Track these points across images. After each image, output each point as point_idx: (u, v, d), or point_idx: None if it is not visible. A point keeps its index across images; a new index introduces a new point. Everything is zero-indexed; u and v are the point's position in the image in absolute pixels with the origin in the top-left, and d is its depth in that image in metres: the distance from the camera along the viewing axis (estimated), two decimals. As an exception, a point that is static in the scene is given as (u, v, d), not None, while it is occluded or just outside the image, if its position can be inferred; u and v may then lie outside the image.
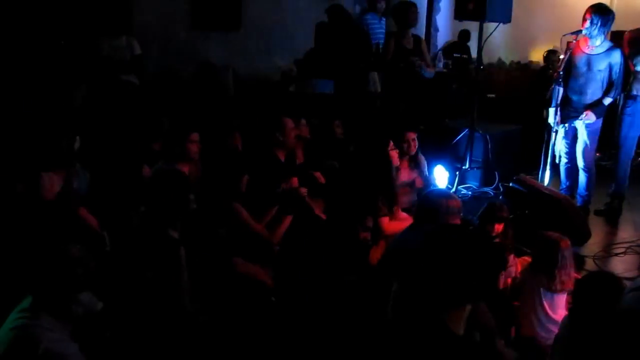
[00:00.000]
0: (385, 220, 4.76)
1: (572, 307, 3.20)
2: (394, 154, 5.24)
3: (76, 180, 4.14)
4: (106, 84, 5.93)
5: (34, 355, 2.42)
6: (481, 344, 2.68)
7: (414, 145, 5.51)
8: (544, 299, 3.74)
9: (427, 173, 5.71)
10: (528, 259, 4.24)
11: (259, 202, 4.51)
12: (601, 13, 5.59)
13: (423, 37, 8.42)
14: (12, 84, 5.20)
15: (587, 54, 5.76)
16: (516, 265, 4.31)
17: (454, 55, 9.72)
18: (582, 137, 5.91)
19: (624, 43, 5.91)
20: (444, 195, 4.00)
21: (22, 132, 4.73)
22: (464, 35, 10.09)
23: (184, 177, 3.59)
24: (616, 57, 5.72)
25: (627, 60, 5.86)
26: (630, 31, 6.03)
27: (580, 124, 5.89)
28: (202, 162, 4.99)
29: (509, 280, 4.17)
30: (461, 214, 4.11)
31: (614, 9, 6.06)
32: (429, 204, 3.91)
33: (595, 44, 5.72)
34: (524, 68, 10.43)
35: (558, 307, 3.75)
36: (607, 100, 5.83)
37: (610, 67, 5.73)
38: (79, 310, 2.71)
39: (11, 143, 4.55)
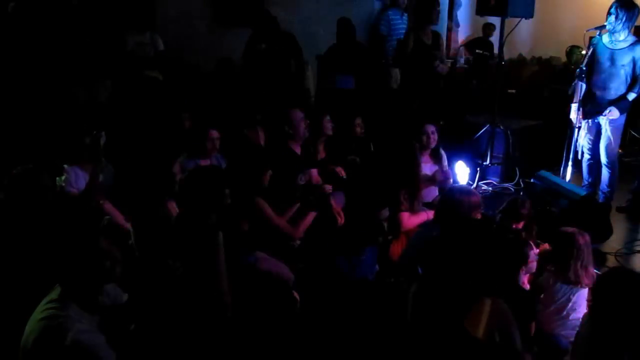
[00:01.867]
0: (405, 215, 4.77)
1: (592, 304, 3.19)
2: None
3: (102, 175, 4.21)
4: (131, 80, 6.01)
5: (63, 345, 2.48)
6: (501, 346, 2.68)
7: (434, 139, 5.51)
8: (563, 296, 3.74)
9: (447, 167, 5.72)
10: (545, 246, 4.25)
11: (280, 196, 4.55)
12: (627, 7, 5.54)
13: (445, 32, 8.43)
14: (38, 80, 5.27)
15: (610, 49, 5.71)
16: (537, 261, 4.31)
17: (476, 51, 9.68)
18: (606, 133, 5.85)
19: None
20: (465, 192, 4.03)
21: (49, 128, 4.82)
22: (488, 28, 10.03)
23: (221, 172, 3.66)
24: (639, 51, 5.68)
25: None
26: None
27: (604, 120, 5.84)
28: (226, 158, 5.07)
29: (530, 276, 4.18)
30: (482, 210, 4.14)
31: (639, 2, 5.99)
32: (450, 200, 3.95)
33: (619, 39, 5.67)
34: (546, 63, 10.36)
35: (579, 305, 3.74)
36: (631, 96, 5.77)
37: (634, 62, 5.67)
38: (105, 301, 2.79)
39: (38, 138, 4.63)
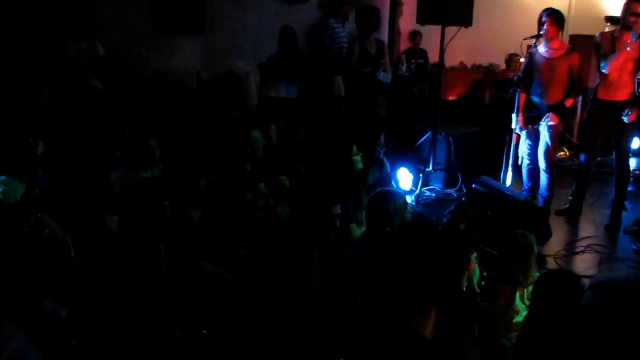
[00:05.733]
0: (354, 227, 4.77)
1: (531, 305, 3.25)
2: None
3: (39, 186, 4.10)
4: (70, 88, 5.85)
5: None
6: (448, 344, 2.70)
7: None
8: (506, 297, 3.80)
9: (388, 171, 5.78)
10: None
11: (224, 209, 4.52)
12: (558, 16, 5.72)
13: (386, 41, 8.50)
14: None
15: (547, 57, 5.86)
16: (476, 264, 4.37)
17: (412, 61, 9.85)
18: (545, 138, 6.00)
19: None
20: (388, 195, 4.06)
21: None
22: (414, 35, 10.27)
23: (160, 185, 3.61)
24: (575, 59, 5.83)
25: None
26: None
27: (542, 126, 5.98)
28: (164, 167, 5.00)
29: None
30: (409, 208, 4.18)
31: (572, 13, 6.19)
32: (376, 206, 3.97)
33: (554, 47, 5.82)
34: (486, 71, 10.58)
35: (523, 309, 3.79)
36: (569, 102, 5.94)
37: (570, 69, 5.84)
38: (42, 316, 2.70)
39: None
